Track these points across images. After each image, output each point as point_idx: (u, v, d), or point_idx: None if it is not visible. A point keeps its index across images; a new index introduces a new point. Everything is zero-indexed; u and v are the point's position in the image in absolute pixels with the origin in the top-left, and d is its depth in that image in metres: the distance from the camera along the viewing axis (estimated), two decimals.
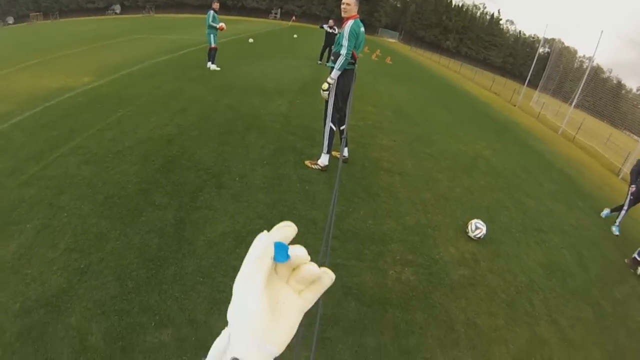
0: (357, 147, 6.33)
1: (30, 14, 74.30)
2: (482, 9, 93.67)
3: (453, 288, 3.84)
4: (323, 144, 5.35)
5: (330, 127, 5.25)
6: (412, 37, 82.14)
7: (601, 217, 7.79)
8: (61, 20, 70.66)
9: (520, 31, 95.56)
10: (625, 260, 6.67)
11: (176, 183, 4.63)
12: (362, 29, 5.02)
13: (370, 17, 79.78)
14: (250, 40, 22.13)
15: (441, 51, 73.67)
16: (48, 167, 4.81)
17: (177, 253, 3.47)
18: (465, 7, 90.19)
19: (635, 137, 19.28)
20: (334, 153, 5.64)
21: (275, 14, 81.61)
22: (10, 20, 78.06)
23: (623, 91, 68.32)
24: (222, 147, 5.74)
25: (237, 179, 4.86)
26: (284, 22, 62.97)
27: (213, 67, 11.85)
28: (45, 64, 12.37)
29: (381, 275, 3.68)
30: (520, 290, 4.23)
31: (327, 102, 5.24)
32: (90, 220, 3.80)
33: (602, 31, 19.89)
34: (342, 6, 4.96)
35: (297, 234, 0.44)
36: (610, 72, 69.81)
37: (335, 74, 4.96)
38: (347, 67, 4.99)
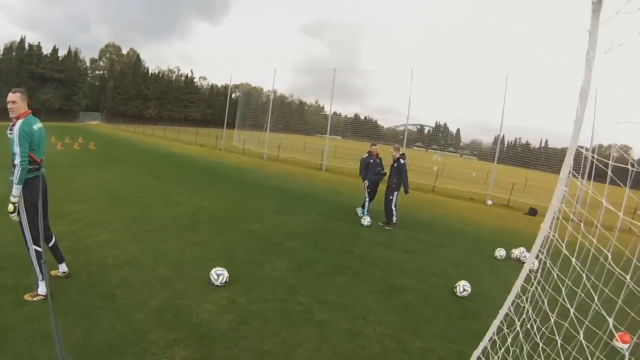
0: (75, 255, 5.35)
1: None
2: (177, 72, 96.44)
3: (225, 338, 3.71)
4: (35, 271, 4.37)
5: (36, 250, 4.28)
6: (115, 114, 77.72)
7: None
8: None
9: (212, 84, 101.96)
10: (379, 223, 9.16)
11: None
12: (37, 125, 4.18)
13: (68, 102, 71.25)
14: None
15: (145, 121, 72.46)
16: None
17: None
18: (162, 73, 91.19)
19: (329, 136, 23.19)
20: (52, 273, 4.70)
21: None
22: None
23: (305, 107, 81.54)
24: None
25: None
26: None
27: None
28: None
29: None
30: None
31: (20, 223, 4.26)
32: None
33: (275, 69, 24.40)
34: (8, 106, 4.00)
35: None
36: (292, 96, 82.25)
37: (16, 190, 3.97)
38: (30, 176, 4.10)
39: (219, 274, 4.91)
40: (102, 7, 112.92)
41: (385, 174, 9.77)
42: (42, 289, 4.26)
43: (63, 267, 4.70)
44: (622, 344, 4.10)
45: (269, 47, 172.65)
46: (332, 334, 4.11)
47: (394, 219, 9.14)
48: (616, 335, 4.00)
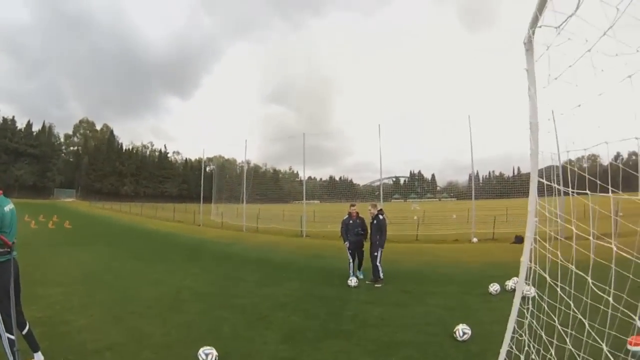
0: (52, 342, 4.95)
1: None
2: (150, 147, 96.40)
3: None
4: None
5: (9, 338, 3.97)
6: (90, 191, 75.97)
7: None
8: None
9: (187, 158, 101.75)
10: (367, 282, 9.03)
11: None
12: (9, 206, 4.06)
13: (42, 179, 69.36)
14: None
15: (121, 198, 71.24)
16: None
17: None
18: (136, 149, 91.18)
19: (306, 202, 23.22)
20: None
21: None
22: None
23: (280, 175, 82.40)
24: None
25: None
26: None
27: None
28: None
29: None
30: None
31: None
32: None
33: (246, 140, 25.71)
34: None
35: None
36: (266, 165, 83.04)
37: None
38: (1, 260, 3.91)
39: (207, 354, 4.65)
40: (76, 82, 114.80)
41: (364, 233, 9.68)
42: None
43: (39, 356, 4.35)
44: (636, 348, 4.05)
45: (239, 119, 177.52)
46: None
47: (381, 275, 9.00)
48: (628, 340, 3.95)
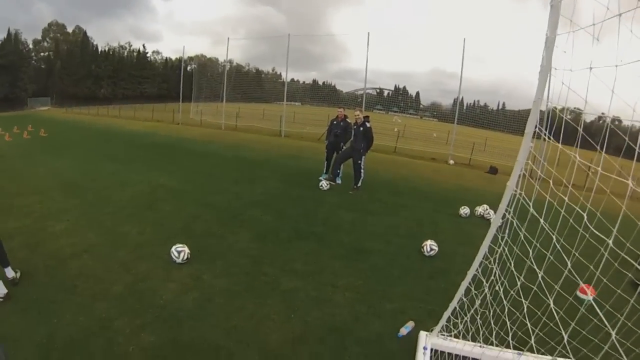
0: (31, 250, 4.92)
1: None
2: (128, 48, 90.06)
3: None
4: None
5: None
6: (65, 97, 71.38)
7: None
8: None
9: (167, 58, 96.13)
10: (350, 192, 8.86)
11: None
12: None
13: (14, 89, 64.85)
14: None
15: (98, 101, 67.71)
16: None
17: None
18: (112, 50, 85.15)
19: (288, 103, 22.81)
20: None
21: None
22: None
23: (262, 75, 80.00)
24: None
25: None
26: None
27: None
28: None
29: None
30: None
31: None
32: None
33: (228, 38, 24.59)
34: None
35: None
36: (249, 65, 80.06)
37: None
38: None
39: (180, 251, 4.78)
40: None
41: (343, 136, 9.43)
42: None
43: (9, 272, 4.05)
44: (585, 296, 4.01)
45: (224, 17, 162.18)
46: (300, 303, 4.09)
47: (360, 182, 9.08)
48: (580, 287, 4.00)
